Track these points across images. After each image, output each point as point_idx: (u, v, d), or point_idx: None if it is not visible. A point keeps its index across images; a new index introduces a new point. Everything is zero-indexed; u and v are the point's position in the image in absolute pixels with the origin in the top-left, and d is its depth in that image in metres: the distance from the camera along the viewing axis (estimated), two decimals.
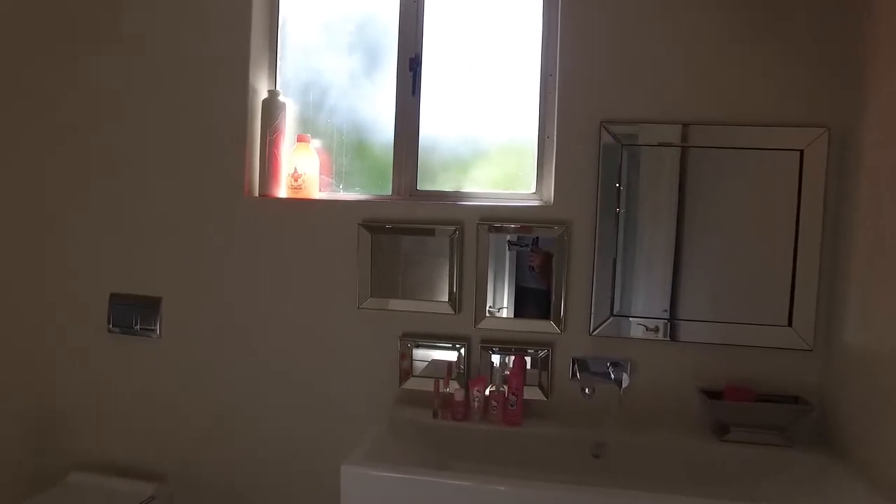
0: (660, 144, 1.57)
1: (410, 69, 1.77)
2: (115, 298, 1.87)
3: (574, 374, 1.61)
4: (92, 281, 1.91)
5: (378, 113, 1.81)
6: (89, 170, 1.91)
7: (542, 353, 1.62)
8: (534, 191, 1.72)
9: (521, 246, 1.64)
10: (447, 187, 1.78)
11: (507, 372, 1.59)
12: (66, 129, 1.93)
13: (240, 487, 1.82)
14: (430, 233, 1.65)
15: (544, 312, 1.62)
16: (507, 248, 1.64)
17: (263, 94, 1.81)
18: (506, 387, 1.55)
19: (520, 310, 1.65)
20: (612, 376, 1.54)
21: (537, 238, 1.62)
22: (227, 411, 1.81)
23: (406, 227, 1.66)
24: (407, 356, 1.68)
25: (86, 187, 1.91)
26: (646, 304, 1.59)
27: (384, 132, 1.80)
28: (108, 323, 1.87)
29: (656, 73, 1.57)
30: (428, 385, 1.64)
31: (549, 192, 1.66)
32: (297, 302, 1.74)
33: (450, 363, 1.66)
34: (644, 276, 1.59)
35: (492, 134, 1.77)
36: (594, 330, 1.59)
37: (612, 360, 1.59)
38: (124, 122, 1.87)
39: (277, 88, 1.83)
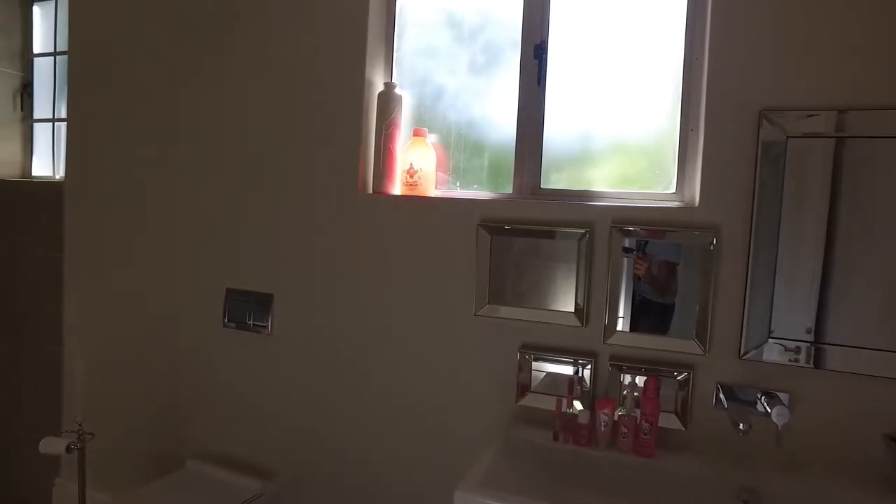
0: (836, 136, 1.31)
1: (535, 56, 1.62)
2: (231, 293, 1.88)
3: (718, 403, 1.40)
4: (211, 275, 1.94)
5: (497, 106, 1.68)
6: (209, 167, 1.94)
7: (679, 376, 1.42)
8: (673, 190, 1.52)
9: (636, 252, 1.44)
10: (564, 186, 1.62)
11: (638, 394, 1.41)
12: (185, 130, 1.98)
13: (345, 492, 1.77)
14: (554, 235, 1.50)
15: (663, 328, 1.42)
16: (623, 254, 1.45)
17: (379, 88, 1.74)
18: (638, 411, 1.37)
19: (637, 324, 1.46)
20: (767, 409, 1.31)
21: (646, 242, 1.43)
22: (335, 414, 1.77)
23: (528, 228, 1.52)
24: (525, 369, 1.54)
25: (206, 183, 1.95)
26: (813, 325, 1.34)
27: (502, 126, 1.67)
28: (224, 317, 1.89)
29: (828, 52, 1.31)
30: (547, 403, 1.49)
31: (693, 193, 1.45)
32: (410, 304, 1.65)
33: (572, 380, 1.51)
34: (808, 292, 1.34)
35: (616, 128, 1.59)
36: (745, 353, 1.37)
37: (766, 389, 1.36)
38: (240, 120, 1.88)
39: (394, 81, 1.75)
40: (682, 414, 1.41)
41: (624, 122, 1.58)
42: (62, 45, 2.52)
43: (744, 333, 1.37)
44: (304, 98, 1.78)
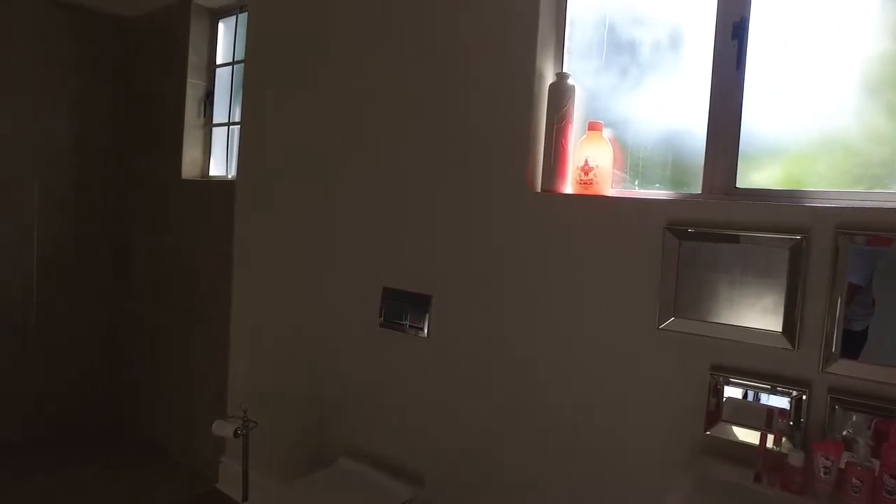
0: None
1: (734, 37, 1.42)
2: (387, 293, 1.87)
3: None
4: (368, 274, 1.94)
5: (681, 95, 1.50)
6: (370, 165, 1.94)
7: None
8: None
9: None
10: (765, 185, 1.39)
11: (872, 441, 1.15)
12: (347, 130, 2.00)
13: None
14: (758, 241, 1.28)
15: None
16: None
17: (549, 79, 1.63)
18: (875, 462, 1.12)
19: (861, 350, 1.19)
20: None
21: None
22: (491, 425, 1.67)
23: (725, 232, 1.32)
24: (715, 394, 1.33)
25: (367, 181, 1.95)
26: None
27: (687, 119, 1.49)
28: (380, 317, 1.88)
29: None
30: (742, 435, 1.28)
31: None
32: (582, 313, 1.51)
33: (774, 412, 1.28)
34: None
35: (831, 118, 1.33)
36: None
37: None
38: (403, 116, 1.86)
39: (566, 71, 1.63)
40: None
41: (842, 110, 1.32)
42: (239, 55, 2.71)
43: None
44: (470, 91, 1.71)
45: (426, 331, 1.77)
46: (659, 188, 1.52)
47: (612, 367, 1.46)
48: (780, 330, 1.26)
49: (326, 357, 2.08)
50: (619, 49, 1.60)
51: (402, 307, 1.82)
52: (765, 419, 1.28)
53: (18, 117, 2.76)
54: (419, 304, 1.78)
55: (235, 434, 1.92)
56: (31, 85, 2.79)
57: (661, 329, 1.37)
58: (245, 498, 2.06)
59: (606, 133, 1.55)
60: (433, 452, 1.80)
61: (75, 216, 2.98)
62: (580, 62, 1.65)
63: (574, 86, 1.58)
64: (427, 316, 1.77)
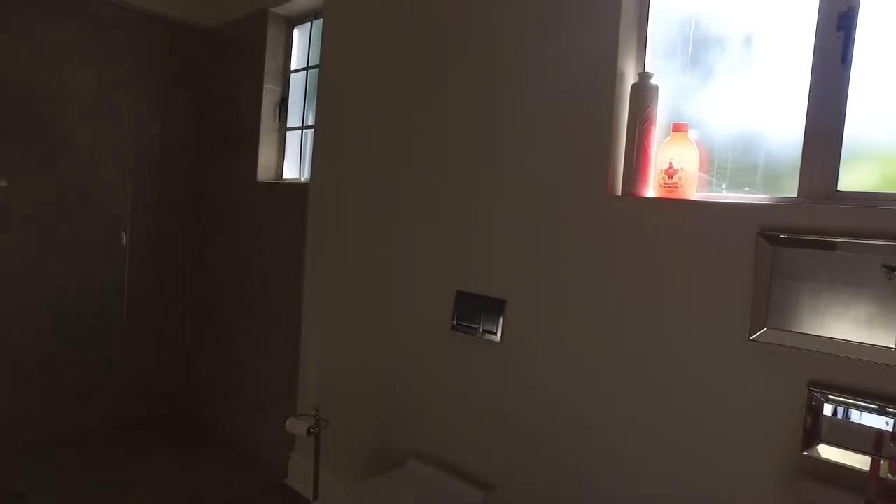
0: None
1: (839, 28, 1.32)
2: (460, 296, 1.86)
3: None
4: (441, 276, 1.94)
5: (774, 93, 1.42)
6: (444, 168, 1.94)
7: None
8: None
9: None
10: (872, 189, 1.29)
11: None
12: (420, 132, 2.01)
13: None
14: (865, 249, 1.19)
15: None
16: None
17: (631, 79, 1.58)
18: None
19: None
20: None
21: None
22: (564, 435, 1.63)
23: (826, 240, 1.23)
24: (814, 413, 1.25)
25: (440, 183, 1.95)
26: None
27: (779, 119, 1.40)
28: (452, 320, 1.87)
29: None
30: (844, 458, 1.19)
31: None
32: (663, 321, 1.45)
33: (885, 435, 1.18)
34: None
35: None
36: None
37: None
38: (478, 118, 1.85)
39: (649, 70, 1.57)
40: None
41: None
42: (313, 61, 2.78)
43: None
44: (548, 92, 1.68)
45: (499, 336, 1.75)
46: (749, 192, 1.44)
47: (696, 379, 1.39)
48: (894, 346, 1.16)
49: (397, 359, 2.09)
50: (705, 45, 1.53)
51: (475, 311, 1.80)
52: (872, 442, 1.19)
53: (115, 124, 2.94)
54: (492, 308, 1.76)
55: (308, 432, 1.96)
56: (127, 93, 2.96)
57: (752, 340, 1.29)
58: (315, 496, 2.10)
59: (692, 134, 1.48)
60: (503, 459, 1.77)
61: (160, 217, 3.15)
62: (663, 60, 1.59)
63: (657, 86, 1.53)
64: (500, 320, 1.74)
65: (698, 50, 1.54)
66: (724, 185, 1.48)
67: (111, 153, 2.94)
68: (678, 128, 1.47)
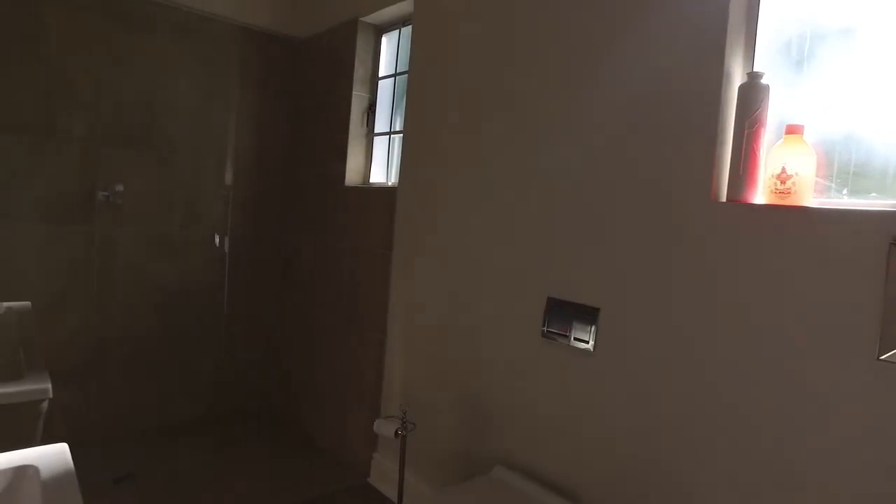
0: None
1: None
2: (552, 303, 1.83)
3: None
4: (532, 282, 1.92)
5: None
6: (535, 171, 1.92)
7: None
8: None
9: None
10: None
11: None
12: (510, 134, 1.99)
13: None
14: None
15: None
16: None
17: (738, 79, 1.50)
18: None
19: None
20: None
21: None
22: (659, 451, 1.56)
23: None
24: None
25: (532, 186, 1.93)
26: None
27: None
28: (543, 326, 1.84)
29: None
30: None
31: None
32: (776, 336, 1.35)
33: None
34: None
35: None
36: None
37: None
38: (569, 121, 1.81)
39: (758, 70, 1.48)
40: None
41: None
42: (401, 67, 2.83)
43: None
44: (648, 92, 1.62)
45: (591, 344, 1.71)
46: (876, 197, 1.32)
47: (810, 396, 1.29)
48: None
49: (484, 364, 2.09)
50: (822, 40, 1.42)
51: (567, 318, 1.77)
52: None
53: (216, 131, 3.13)
54: (586, 316, 1.72)
55: (396, 434, 1.99)
56: (225, 103, 3.14)
57: (883, 360, 1.19)
58: (400, 499, 2.13)
59: (808, 136, 1.38)
60: (594, 472, 1.72)
61: (254, 219, 3.31)
62: (775, 58, 1.50)
63: (768, 86, 1.44)
64: (593, 329, 1.70)
65: (814, 45, 1.44)
66: (844, 191, 1.37)
67: (212, 159, 3.13)
68: (793, 129, 1.37)
